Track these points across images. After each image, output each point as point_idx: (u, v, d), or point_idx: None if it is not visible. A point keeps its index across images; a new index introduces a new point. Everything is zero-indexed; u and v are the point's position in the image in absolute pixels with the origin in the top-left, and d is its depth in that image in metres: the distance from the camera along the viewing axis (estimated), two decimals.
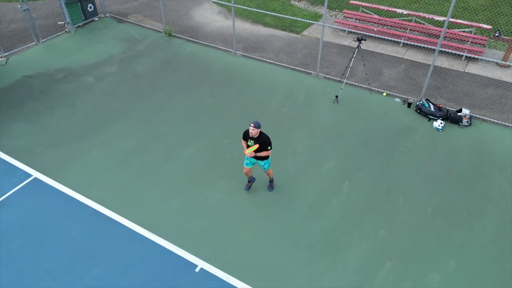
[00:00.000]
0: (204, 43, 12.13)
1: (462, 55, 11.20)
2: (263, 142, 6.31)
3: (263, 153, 6.35)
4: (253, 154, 6.29)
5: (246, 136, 6.47)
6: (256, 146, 6.28)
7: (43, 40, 12.06)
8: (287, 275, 5.93)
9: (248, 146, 6.47)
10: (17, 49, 11.56)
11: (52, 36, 12.31)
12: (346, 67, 9.87)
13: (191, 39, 12.33)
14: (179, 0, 14.66)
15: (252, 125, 6.21)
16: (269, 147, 6.36)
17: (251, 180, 7.20)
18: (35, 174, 7.59)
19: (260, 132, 6.32)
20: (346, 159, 7.99)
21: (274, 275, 5.93)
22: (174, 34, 12.55)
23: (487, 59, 9.48)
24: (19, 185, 7.36)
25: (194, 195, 7.21)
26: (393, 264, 6.10)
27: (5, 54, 11.27)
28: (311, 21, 10.57)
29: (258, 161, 6.65)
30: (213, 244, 6.35)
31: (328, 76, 10.55)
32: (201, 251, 6.23)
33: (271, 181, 7.23)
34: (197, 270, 5.98)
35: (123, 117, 9.09)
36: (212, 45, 12.02)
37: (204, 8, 14.37)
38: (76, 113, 9.21)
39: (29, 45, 11.84)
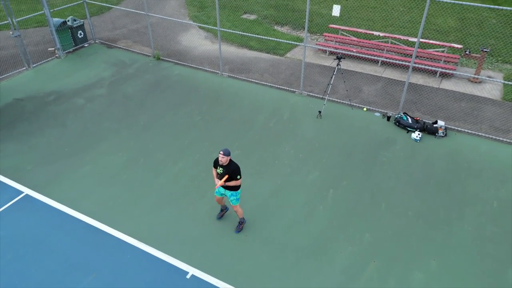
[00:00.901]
0: (192, 65, 12.61)
1: (436, 73, 11.91)
2: (232, 170, 6.09)
3: (232, 183, 6.14)
4: (222, 183, 6.12)
5: (216, 163, 6.24)
6: (226, 176, 6.09)
7: (34, 65, 12.36)
8: (276, 279, 6.09)
9: (217, 174, 6.26)
10: (7, 74, 11.81)
11: (42, 62, 12.64)
12: (328, 84, 10.41)
13: (179, 62, 12.80)
14: (167, 26, 15.25)
15: (221, 152, 5.98)
16: (238, 176, 6.15)
17: (223, 209, 7.06)
18: (26, 191, 7.69)
19: (230, 160, 6.10)
20: (330, 169, 8.33)
21: (263, 279, 6.09)
22: (163, 58, 13.02)
23: (460, 73, 10.14)
24: (10, 202, 7.45)
25: (184, 206, 7.39)
26: (377, 264, 6.33)
27: None
28: (293, 42, 11.18)
29: (227, 191, 6.41)
30: (203, 252, 6.50)
31: (311, 93, 11.06)
32: (192, 259, 6.37)
33: (240, 222, 6.83)
34: (188, 276, 6.11)
35: (114, 135, 9.33)
36: (200, 67, 12.50)
37: (191, 33, 14.98)
38: (66, 133, 9.41)
39: (19, 70, 12.11)
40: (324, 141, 9.19)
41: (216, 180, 6.31)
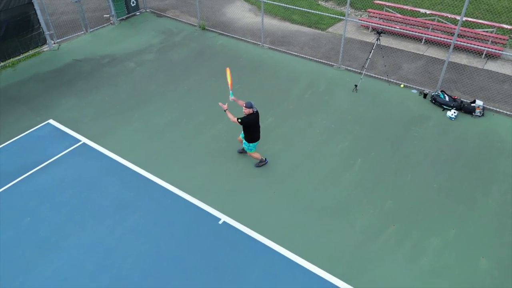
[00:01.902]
0: (235, 36, 13.08)
1: (482, 53, 11.58)
2: (243, 117, 7.22)
3: (230, 116, 7.27)
4: (224, 107, 7.33)
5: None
6: (230, 98, 7.50)
7: (91, 30, 13.38)
8: (299, 232, 6.65)
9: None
10: (67, 37, 12.91)
11: (98, 27, 13.63)
12: (366, 59, 10.51)
13: (223, 32, 13.32)
14: None
15: (244, 105, 7.20)
16: (239, 120, 7.14)
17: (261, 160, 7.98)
18: (83, 139, 8.68)
19: (252, 112, 7.18)
20: (360, 141, 8.63)
21: (288, 231, 6.66)
22: (208, 28, 13.58)
23: (507, 54, 9.83)
24: (69, 148, 8.47)
25: (220, 163, 8.06)
26: (396, 228, 6.70)
27: (57, 40, 12.63)
28: (336, 16, 11.24)
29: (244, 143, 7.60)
30: (235, 203, 7.17)
31: (349, 68, 11.22)
32: (224, 207, 7.05)
33: (260, 161, 7.88)
34: (220, 222, 6.81)
35: (160, 97, 10.12)
36: (242, 38, 12.95)
37: (236, 6, 15.37)
38: (118, 92, 10.32)
39: (78, 34, 13.18)
40: (357, 114, 9.44)
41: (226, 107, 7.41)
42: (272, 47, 12.44)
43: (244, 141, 7.59)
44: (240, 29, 13.53)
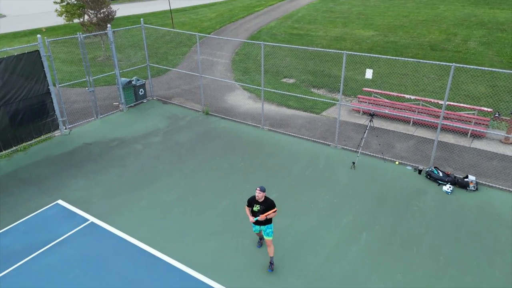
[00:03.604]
0: (236, 120, 14.03)
1: (468, 133, 12.50)
2: (270, 204, 6.90)
3: (271, 214, 6.90)
4: (264, 217, 6.85)
5: (250, 202, 7.03)
6: (269, 211, 6.86)
7: (101, 116, 14.28)
8: None
9: (252, 212, 7.01)
10: (79, 123, 13.72)
11: (108, 113, 14.57)
12: (361, 138, 11.28)
13: (225, 117, 14.30)
14: (214, 88, 17.14)
15: (258, 189, 6.79)
16: (274, 208, 6.93)
17: (262, 238, 7.75)
18: (92, 219, 8.81)
19: (265, 196, 6.96)
20: (363, 215, 8.89)
21: None
22: (211, 113, 14.60)
23: (490, 132, 10.71)
24: (77, 227, 8.55)
25: (227, 239, 8.16)
26: None
27: (69, 126, 13.39)
28: (329, 101, 12.34)
29: (262, 226, 7.12)
30: (244, 280, 7.11)
31: (345, 147, 11.94)
32: (234, 285, 6.98)
33: (271, 262, 7.34)
34: None
35: (167, 175, 10.51)
36: (243, 121, 13.88)
37: (236, 94, 16.71)
38: (127, 172, 10.71)
39: (89, 120, 14.03)
40: (357, 189, 9.84)
41: (251, 217, 7.03)
42: (271, 129, 13.30)
43: (268, 226, 7.11)
44: (241, 114, 14.57)
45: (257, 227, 7.27)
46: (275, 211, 7.01)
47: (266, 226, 7.15)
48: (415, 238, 8.12)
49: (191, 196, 9.65)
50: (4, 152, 11.63)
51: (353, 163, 10.81)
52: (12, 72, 11.39)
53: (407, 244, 7.97)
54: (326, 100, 12.37)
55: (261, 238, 7.85)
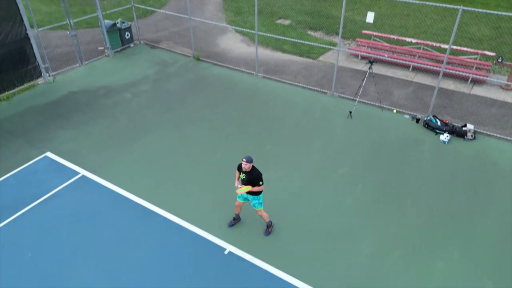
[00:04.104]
0: (229, 66, 13.39)
1: (468, 79, 12.10)
2: (254, 177, 6.34)
3: (255, 189, 6.39)
4: (244, 191, 6.41)
5: (240, 168, 6.56)
6: (248, 187, 6.38)
7: (86, 62, 13.52)
8: (306, 259, 6.63)
9: (241, 179, 6.60)
10: (63, 70, 13.00)
11: (93, 59, 13.79)
12: (359, 87, 10.87)
13: (217, 63, 13.62)
14: (205, 30, 16.16)
15: (244, 160, 6.27)
16: (260, 182, 6.36)
17: (236, 218, 7.22)
18: (83, 172, 8.61)
19: (253, 167, 6.39)
20: (359, 165, 8.79)
21: (294, 258, 6.64)
22: (202, 59, 13.88)
23: (492, 79, 10.34)
24: (68, 181, 8.37)
25: (221, 191, 8.07)
26: (401, 253, 6.75)
27: (52, 73, 12.69)
28: (326, 46, 11.70)
29: (249, 196, 6.66)
30: (239, 232, 7.13)
31: (342, 95, 11.55)
32: (229, 237, 7.01)
33: (268, 225, 7.05)
34: (225, 252, 6.75)
35: (158, 126, 10.18)
36: (236, 68, 13.26)
37: (228, 37, 15.81)
38: (116, 123, 10.34)
39: (73, 66, 13.29)
40: (353, 139, 9.65)
41: (237, 182, 6.66)
42: (266, 76, 12.75)
43: (254, 197, 6.66)
44: (234, 59, 13.87)
45: (244, 194, 6.69)
46: (261, 186, 6.41)
47: (252, 197, 6.67)
48: (410, 189, 8.10)
49: (183, 148, 9.41)
50: None
51: (350, 112, 10.51)
52: None
53: (402, 195, 7.96)
54: (323, 46, 11.69)
55: (235, 219, 7.26)
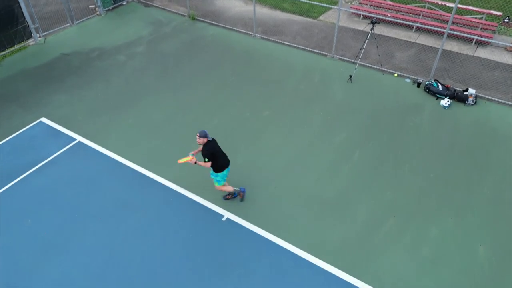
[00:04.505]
0: (226, 26, 12.89)
1: (472, 40, 11.72)
2: (203, 152, 6.26)
3: (200, 163, 6.32)
4: (189, 160, 6.28)
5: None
6: (188, 159, 6.30)
7: (77, 22, 12.99)
8: (302, 225, 6.75)
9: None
10: (53, 30, 12.51)
11: (84, 19, 13.23)
12: (360, 49, 10.53)
13: (213, 22, 13.10)
14: None
15: (198, 134, 6.21)
16: (206, 160, 6.22)
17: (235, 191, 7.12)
18: (79, 138, 8.53)
19: (208, 142, 6.28)
20: (357, 132, 8.72)
21: (291, 225, 6.75)
22: (198, 18, 13.33)
23: (497, 42, 10.01)
24: (65, 147, 8.32)
25: None
26: (396, 219, 6.86)
27: (43, 34, 12.22)
28: (327, 5, 11.19)
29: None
30: (237, 199, 7.19)
31: (342, 58, 11.23)
32: (227, 204, 7.08)
33: (230, 194, 7.09)
34: (223, 219, 6.85)
35: (154, 91, 9.96)
36: (233, 28, 12.77)
37: None
38: (110, 88, 10.11)
39: (64, 26, 12.78)
40: (353, 104, 9.50)
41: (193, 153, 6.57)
42: (264, 37, 12.32)
43: (211, 172, 6.66)
44: (231, 19, 13.33)
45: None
46: (206, 163, 6.26)
47: (211, 172, 6.64)
48: (408, 156, 8.09)
49: (180, 112, 9.27)
50: None
51: (350, 76, 10.26)
52: None
53: (399, 161, 7.97)
54: (324, 5, 11.17)
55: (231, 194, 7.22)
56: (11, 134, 8.63)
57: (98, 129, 8.75)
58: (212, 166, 6.46)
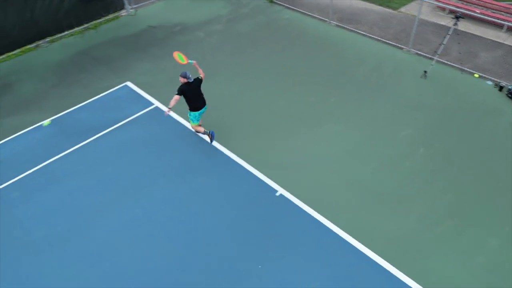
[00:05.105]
0: (302, 11, 12.99)
1: None
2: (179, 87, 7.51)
3: (172, 101, 7.46)
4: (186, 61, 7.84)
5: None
6: (185, 60, 7.87)
7: None
8: (354, 213, 6.88)
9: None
10: (143, 3, 13.58)
11: None
12: (440, 44, 10.06)
13: (290, 6, 13.27)
14: None
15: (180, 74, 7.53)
16: (176, 93, 7.46)
17: (204, 133, 8.12)
18: (156, 103, 9.38)
19: (187, 82, 7.52)
20: (425, 129, 8.49)
21: (343, 211, 6.92)
22: (275, 1, 13.58)
23: None
24: (144, 110, 9.21)
25: (280, 138, 8.38)
26: (454, 222, 6.69)
27: (134, 6, 13.33)
28: None
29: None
30: (294, 178, 7.50)
31: (420, 52, 10.82)
32: (282, 180, 7.42)
33: (205, 133, 8.06)
34: (277, 194, 7.22)
35: (226, 68, 10.51)
36: (309, 13, 12.84)
37: None
38: None
39: (153, 0, 13.79)
40: (424, 101, 9.22)
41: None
42: (339, 24, 12.24)
43: (189, 111, 7.84)
44: (308, 4, 13.39)
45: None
46: (174, 97, 7.42)
47: (188, 112, 7.92)
48: (476, 162, 7.74)
49: (248, 91, 9.72)
50: (77, 28, 12.14)
51: (425, 72, 9.90)
52: None
53: (466, 166, 7.66)
54: None
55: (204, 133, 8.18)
56: (101, 93, 9.73)
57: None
58: (188, 105, 7.75)
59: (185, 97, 7.63)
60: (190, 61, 7.93)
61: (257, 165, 7.78)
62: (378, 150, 8.05)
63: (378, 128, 8.57)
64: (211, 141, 8.20)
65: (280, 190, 7.29)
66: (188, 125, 8.71)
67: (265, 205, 7.05)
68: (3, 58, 11.02)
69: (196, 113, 7.82)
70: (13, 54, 11.15)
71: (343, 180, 7.47)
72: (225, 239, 6.53)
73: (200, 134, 8.39)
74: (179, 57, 7.91)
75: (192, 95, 7.67)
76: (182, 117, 8.92)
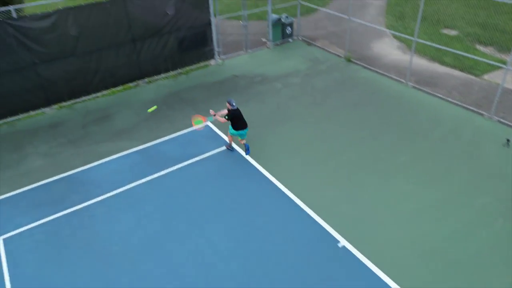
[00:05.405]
0: (378, 71, 13.35)
1: None
2: (227, 113, 9.07)
3: (219, 117, 9.22)
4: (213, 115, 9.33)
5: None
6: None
7: (250, 51, 15.31)
8: (418, 277, 6.57)
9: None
10: (230, 55, 15.04)
11: (256, 49, 15.50)
12: None
13: (367, 66, 13.72)
14: (362, 32, 16.29)
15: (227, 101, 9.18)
16: (225, 117, 8.98)
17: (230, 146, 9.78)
18: (232, 144, 10.10)
19: (231, 108, 9.06)
20: (506, 200, 7.97)
21: (406, 270, 6.65)
22: (353, 60, 14.17)
23: None
24: (219, 148, 9.96)
25: (348, 188, 8.46)
26: None
27: (223, 57, 14.83)
28: (495, 63, 10.57)
29: None
30: (360, 231, 7.44)
31: (502, 120, 10.40)
32: (347, 232, 7.39)
33: (229, 146, 9.76)
34: (339, 245, 7.18)
35: (299, 117, 11.05)
36: (386, 74, 13.14)
37: (384, 42, 15.61)
38: (264, 108, 11.62)
39: (239, 53, 15.22)
40: (505, 170, 8.73)
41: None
42: (416, 86, 12.31)
43: (230, 127, 9.21)
44: (385, 65, 13.74)
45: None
46: (221, 119, 9.13)
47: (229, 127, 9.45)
48: None
49: (318, 140, 10.06)
50: (172, 73, 13.76)
51: (508, 140, 9.44)
52: (184, 1, 12.85)
53: None
54: (492, 63, 10.60)
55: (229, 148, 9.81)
56: (184, 130, 10.77)
57: (247, 139, 10.19)
58: (232, 126, 9.15)
59: (230, 121, 9.07)
60: (209, 118, 9.45)
61: (320, 212, 7.88)
62: (451, 215, 7.71)
63: (452, 192, 8.25)
64: (231, 149, 9.79)
65: (344, 242, 7.25)
66: (259, 167, 9.21)
67: (327, 255, 7.04)
68: (108, 93, 12.82)
69: (237, 132, 9.17)
70: (116, 90, 12.93)
71: (411, 242, 7.21)
72: (283, 282, 6.60)
73: (227, 142, 9.90)
74: (197, 122, 9.30)
75: (236, 119, 9.07)
76: (251, 157, 9.47)
